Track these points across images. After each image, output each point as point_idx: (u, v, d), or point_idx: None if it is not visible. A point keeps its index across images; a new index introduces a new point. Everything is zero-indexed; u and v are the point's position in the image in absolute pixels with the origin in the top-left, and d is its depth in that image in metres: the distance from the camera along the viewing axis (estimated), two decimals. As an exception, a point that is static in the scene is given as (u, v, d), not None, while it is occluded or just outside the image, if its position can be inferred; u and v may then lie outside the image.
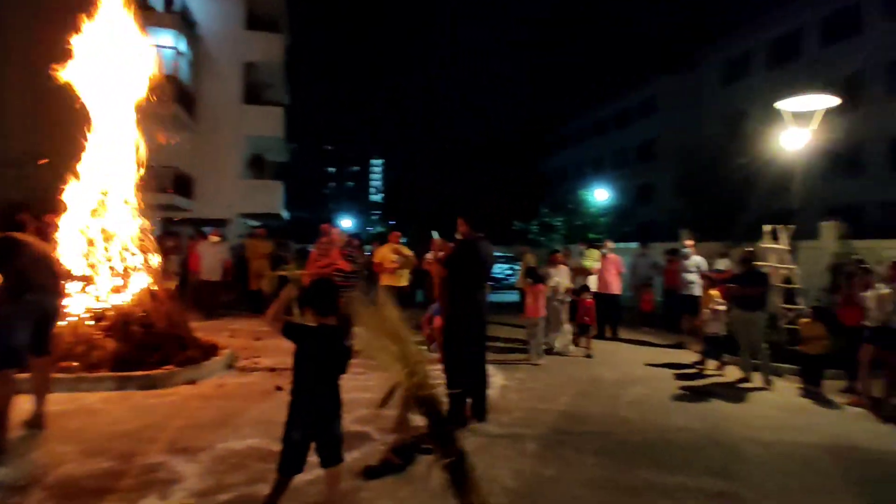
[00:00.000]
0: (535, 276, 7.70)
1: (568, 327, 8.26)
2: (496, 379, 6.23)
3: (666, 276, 10.98)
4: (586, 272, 9.40)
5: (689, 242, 9.67)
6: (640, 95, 34.74)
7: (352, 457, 3.61)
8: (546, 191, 34.48)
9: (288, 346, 2.90)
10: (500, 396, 5.63)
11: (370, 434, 4.28)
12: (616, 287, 9.76)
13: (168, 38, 17.74)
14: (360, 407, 4.51)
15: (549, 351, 8.01)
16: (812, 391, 6.28)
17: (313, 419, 2.75)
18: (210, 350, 6.44)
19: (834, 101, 8.34)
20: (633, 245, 13.49)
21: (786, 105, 8.54)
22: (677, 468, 3.94)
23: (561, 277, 8.21)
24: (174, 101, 16.24)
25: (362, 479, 3.43)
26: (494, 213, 26.17)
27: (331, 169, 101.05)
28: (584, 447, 4.27)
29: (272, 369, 6.28)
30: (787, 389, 6.46)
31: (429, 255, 11.12)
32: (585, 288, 8.70)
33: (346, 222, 35.13)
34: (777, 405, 5.87)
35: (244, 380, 5.96)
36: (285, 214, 24.31)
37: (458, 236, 4.90)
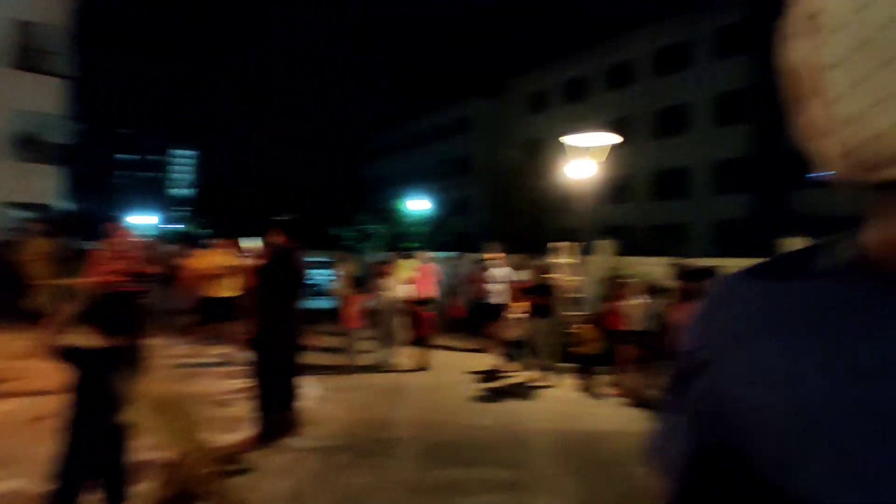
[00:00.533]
0: (359, 285, 7.77)
1: (399, 339, 8.04)
2: (310, 390, 6.14)
3: (474, 284, 11.89)
4: (403, 281, 9.74)
5: (496, 255, 10.61)
6: (458, 112, 37.14)
7: (141, 489, 3.28)
8: (366, 197, 34.81)
9: (60, 366, 2.54)
10: (314, 409, 5.57)
11: (162, 461, 3.93)
12: (432, 295, 10.29)
13: None
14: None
15: (377, 365, 7.84)
16: (586, 386, 7.38)
17: (93, 453, 2.45)
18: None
19: (615, 139, 9.92)
20: (449, 254, 14.37)
21: (571, 140, 9.90)
22: (478, 464, 4.34)
23: (396, 288, 8.12)
24: None
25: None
26: (313, 220, 25.69)
27: (126, 156, 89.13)
28: (396, 453, 4.46)
29: (38, 394, 5.35)
30: (568, 385, 7.49)
31: (240, 262, 10.51)
32: (424, 300, 8.52)
33: (148, 219, 31.06)
34: (559, 399, 6.79)
35: None
36: (65, 205, 20.80)
37: (272, 245, 4.75)
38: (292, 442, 4.52)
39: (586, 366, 7.61)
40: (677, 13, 23.61)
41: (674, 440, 0.45)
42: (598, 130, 10.25)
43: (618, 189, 23.96)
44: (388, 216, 24.56)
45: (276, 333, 4.55)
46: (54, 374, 2.61)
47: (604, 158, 10.03)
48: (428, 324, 8.44)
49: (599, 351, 7.72)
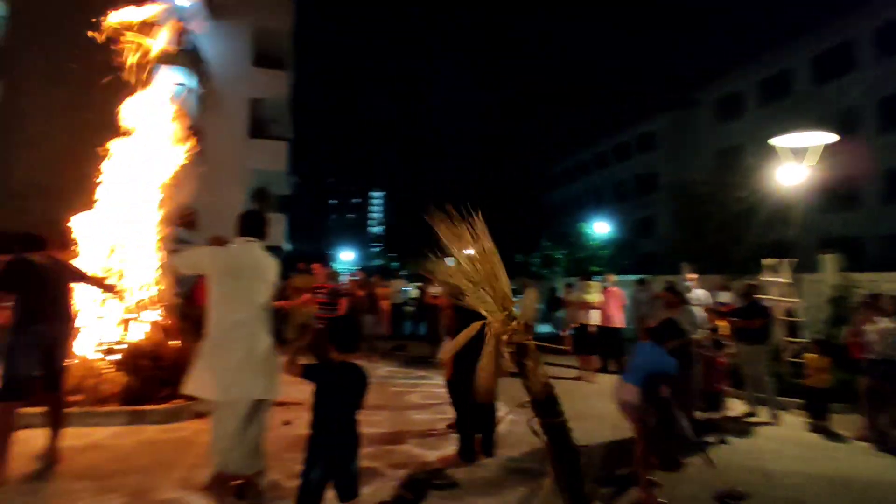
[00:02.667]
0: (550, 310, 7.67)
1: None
2: (502, 413, 6.22)
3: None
4: (589, 306, 9.45)
5: (692, 276, 9.76)
6: (639, 130, 35.50)
7: (363, 492, 3.63)
8: (547, 223, 34.75)
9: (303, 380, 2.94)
10: (508, 431, 5.62)
11: (380, 470, 4.31)
12: (619, 320, 9.80)
13: (179, 76, 18.19)
14: (369, 443, 4.53)
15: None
16: (819, 426, 6.28)
17: (334, 456, 2.79)
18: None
19: (831, 137, 8.54)
20: (634, 277, 13.63)
21: (781, 141, 8.74)
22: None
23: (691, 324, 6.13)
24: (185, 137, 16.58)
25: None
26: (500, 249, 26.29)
27: (332, 201, 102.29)
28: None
29: (281, 404, 6.26)
30: (794, 423, 6.46)
31: (433, 290, 11.20)
32: (720, 344, 6.95)
33: (347, 255, 34.98)
34: (784, 439, 5.87)
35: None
36: (287, 246, 24.51)
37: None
38: (490, 462, 4.63)
39: (815, 401, 6.51)
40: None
41: None
42: (808, 129, 8.93)
43: (840, 195, 20.49)
44: (570, 241, 24.21)
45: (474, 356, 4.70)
46: (297, 385, 3.04)
47: (816, 161, 8.67)
48: (723, 376, 6.86)
49: (830, 384, 6.56)
